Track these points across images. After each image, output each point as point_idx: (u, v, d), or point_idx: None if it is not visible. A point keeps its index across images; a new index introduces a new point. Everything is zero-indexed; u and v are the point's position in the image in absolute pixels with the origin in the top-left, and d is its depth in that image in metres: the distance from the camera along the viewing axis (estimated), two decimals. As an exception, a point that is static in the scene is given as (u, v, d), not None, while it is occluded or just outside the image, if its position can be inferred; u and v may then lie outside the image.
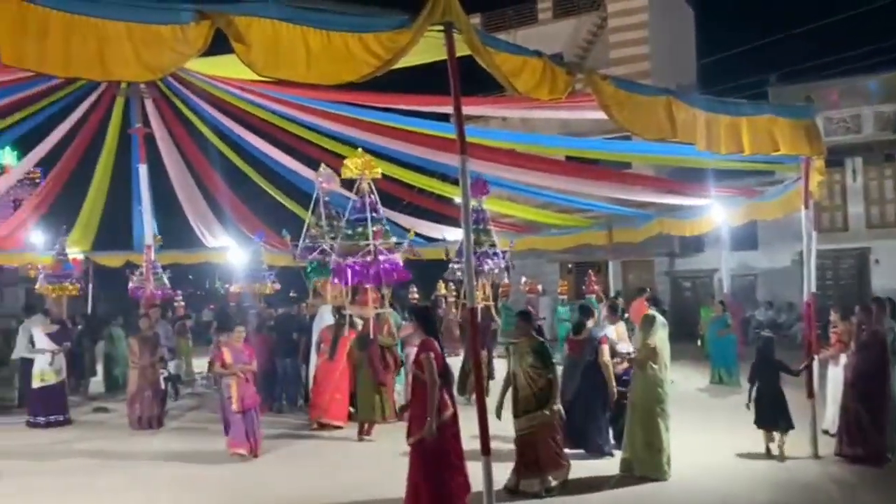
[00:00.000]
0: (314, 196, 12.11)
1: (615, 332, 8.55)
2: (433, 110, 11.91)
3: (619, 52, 24.01)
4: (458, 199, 17.73)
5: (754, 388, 8.02)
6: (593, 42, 25.29)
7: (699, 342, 16.20)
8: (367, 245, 9.90)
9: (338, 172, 12.42)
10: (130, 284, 15.08)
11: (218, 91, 12.30)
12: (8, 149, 26.13)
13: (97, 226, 18.69)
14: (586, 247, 19.02)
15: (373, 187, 10.43)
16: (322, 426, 9.96)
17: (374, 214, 10.16)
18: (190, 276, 32.09)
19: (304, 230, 11.96)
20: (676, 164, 15.40)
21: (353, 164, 10.31)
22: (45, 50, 4.09)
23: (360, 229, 10.11)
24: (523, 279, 18.95)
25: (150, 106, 13.89)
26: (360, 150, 10.93)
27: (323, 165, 12.43)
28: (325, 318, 10.99)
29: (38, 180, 23.23)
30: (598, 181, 14.51)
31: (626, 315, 10.35)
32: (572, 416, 7.74)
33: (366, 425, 9.48)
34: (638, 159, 16.53)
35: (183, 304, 18.32)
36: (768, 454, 7.91)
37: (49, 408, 10.60)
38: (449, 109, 11.26)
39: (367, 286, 10.22)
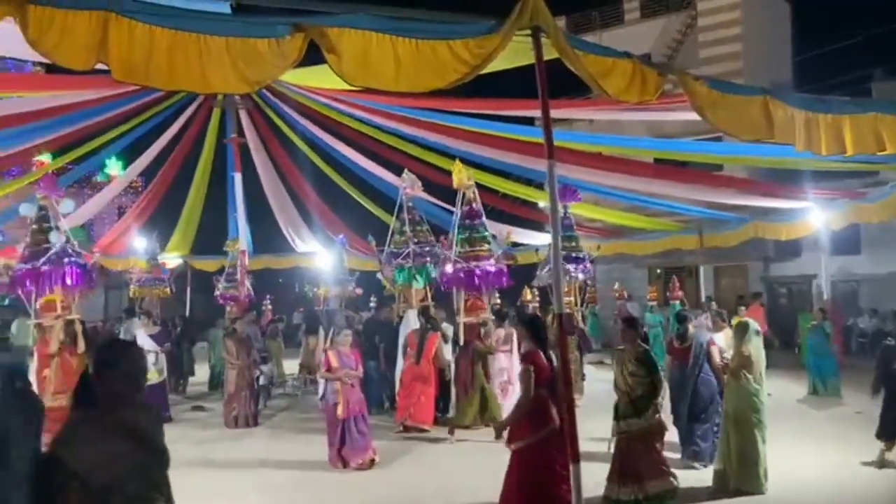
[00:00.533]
0: (398, 202, 12.29)
1: (724, 340, 8.35)
2: (516, 114, 11.95)
3: (709, 51, 23.33)
4: (542, 203, 17.64)
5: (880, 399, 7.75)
6: (682, 42, 24.68)
7: (797, 351, 15.54)
8: (473, 251, 10.13)
9: (422, 178, 12.61)
10: (216, 291, 15.76)
11: (307, 101, 12.66)
12: (113, 159, 27.62)
13: (195, 231, 19.54)
14: (676, 251, 18.55)
15: (476, 195, 10.65)
16: (407, 429, 10.08)
17: (477, 222, 10.40)
18: (280, 280, 33.08)
19: (389, 236, 12.15)
20: (772, 165, 14.82)
21: (460, 175, 10.56)
22: (150, 65, 4.29)
23: (464, 236, 10.32)
24: (616, 285, 18.62)
25: (244, 116, 14.46)
26: (457, 160, 11.10)
27: (406, 171, 12.60)
28: (411, 322, 11.13)
29: (140, 188, 24.46)
30: (688, 184, 14.12)
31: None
32: (685, 425, 7.64)
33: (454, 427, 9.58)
34: (731, 161, 16.00)
35: (270, 307, 18.92)
36: (882, 465, 7.54)
37: (151, 406, 11.10)
38: (535, 113, 11.35)
39: (472, 293, 10.39)
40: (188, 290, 20.58)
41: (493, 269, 10.28)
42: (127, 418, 2.75)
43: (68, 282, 9.25)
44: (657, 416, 6.42)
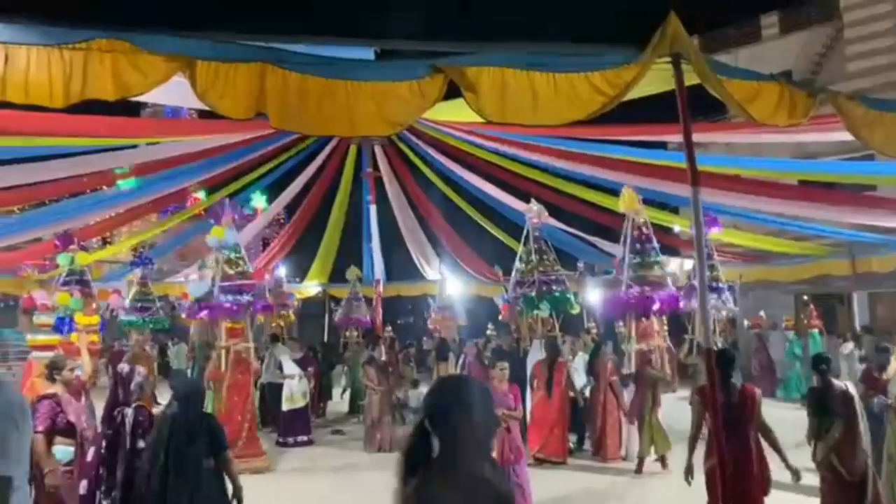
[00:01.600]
0: (525, 230, 12.23)
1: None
2: (643, 139, 11.71)
3: (858, 65, 21.82)
4: (677, 228, 17.10)
5: None
6: (826, 56, 23.29)
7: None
8: (646, 276, 10.15)
9: (553, 206, 12.56)
10: (336, 317, 16.35)
11: (438, 133, 13.00)
12: (258, 193, 29.32)
13: (333, 260, 20.39)
14: (825, 277, 17.33)
15: (647, 221, 10.62)
16: (539, 460, 9.94)
17: (648, 246, 10.35)
18: (409, 307, 33.90)
19: (516, 265, 12.11)
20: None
21: (630, 200, 10.68)
22: (303, 112, 4.58)
23: (640, 261, 10.38)
24: (762, 313, 17.65)
25: (378, 151, 15.05)
26: (626, 187, 11.03)
27: (533, 200, 12.55)
28: (537, 352, 10.95)
29: (282, 221, 25.82)
30: (837, 206, 13.23)
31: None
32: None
33: (643, 460, 9.35)
34: (886, 182, 14.84)
35: (392, 334, 19.42)
36: None
37: (296, 429, 11.57)
38: (671, 138, 11.06)
39: (650, 317, 10.31)
40: (326, 316, 21.42)
41: (667, 294, 10.17)
42: (476, 472, 2.32)
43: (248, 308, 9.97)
44: (830, 459, 5.79)
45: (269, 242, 24.56)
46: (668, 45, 4.63)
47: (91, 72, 4.43)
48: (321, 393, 15.40)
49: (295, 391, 11.55)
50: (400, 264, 21.21)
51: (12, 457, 3.18)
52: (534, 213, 12.12)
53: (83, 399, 6.81)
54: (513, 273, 12.19)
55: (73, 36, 4.43)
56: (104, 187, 14.82)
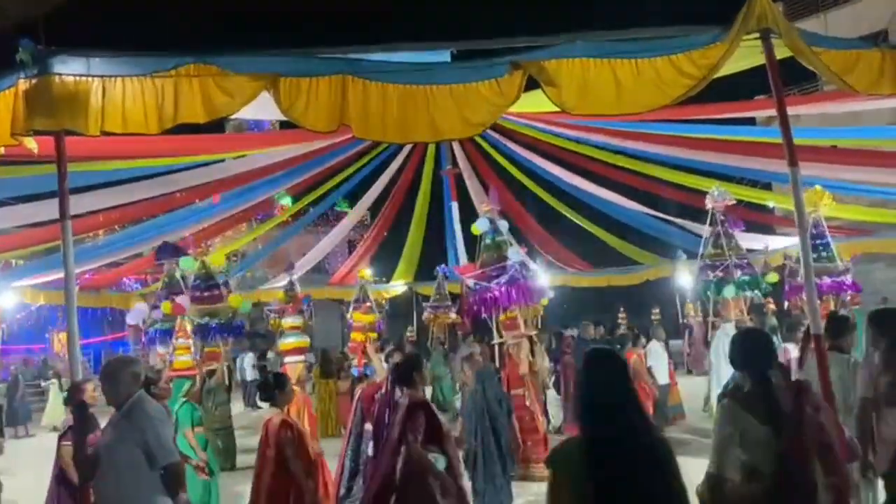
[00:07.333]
0: (709, 214, 11.78)
1: None
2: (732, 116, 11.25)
3: (960, 17, 20.38)
4: (771, 204, 16.41)
5: None
6: (925, 10, 21.77)
7: None
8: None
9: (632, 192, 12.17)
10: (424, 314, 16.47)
11: (513, 125, 12.87)
12: (340, 199, 29.90)
13: (418, 259, 20.56)
14: (936, 246, 16.27)
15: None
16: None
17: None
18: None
19: (701, 249, 11.76)
20: None
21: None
22: (386, 121, 4.60)
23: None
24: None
25: (457, 147, 15.06)
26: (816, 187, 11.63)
27: (716, 185, 12.10)
28: (724, 341, 10.37)
29: (366, 222, 26.15)
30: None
31: None
32: None
33: None
34: None
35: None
36: None
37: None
38: (760, 113, 10.54)
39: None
40: (414, 314, 21.68)
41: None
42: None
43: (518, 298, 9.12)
44: None
45: (355, 245, 24.98)
46: (754, 21, 4.43)
47: (182, 97, 4.57)
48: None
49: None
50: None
51: None
52: (717, 196, 11.63)
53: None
54: (699, 257, 11.83)
55: (163, 64, 4.58)
56: (197, 201, 15.38)
